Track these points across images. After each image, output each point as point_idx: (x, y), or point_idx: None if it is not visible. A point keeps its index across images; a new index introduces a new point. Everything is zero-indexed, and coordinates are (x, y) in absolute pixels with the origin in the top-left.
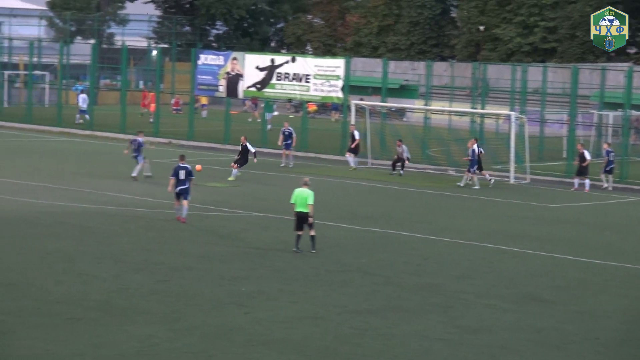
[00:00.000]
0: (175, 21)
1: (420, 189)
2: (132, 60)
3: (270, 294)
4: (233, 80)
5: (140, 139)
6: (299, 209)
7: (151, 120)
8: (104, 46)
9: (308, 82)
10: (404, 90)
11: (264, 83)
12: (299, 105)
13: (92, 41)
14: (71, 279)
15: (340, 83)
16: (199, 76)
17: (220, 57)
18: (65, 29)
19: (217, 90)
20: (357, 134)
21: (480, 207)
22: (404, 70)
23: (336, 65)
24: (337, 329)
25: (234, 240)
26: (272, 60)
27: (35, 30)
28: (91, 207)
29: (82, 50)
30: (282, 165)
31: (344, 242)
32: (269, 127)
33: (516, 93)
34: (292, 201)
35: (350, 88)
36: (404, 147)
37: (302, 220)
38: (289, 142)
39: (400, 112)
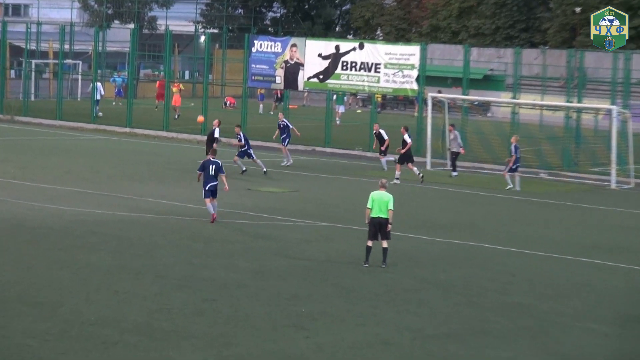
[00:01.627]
0: (227, 3)
1: (506, 194)
2: (176, 48)
3: (334, 316)
4: (292, 70)
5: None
6: (376, 215)
7: (177, 116)
8: (145, 31)
9: (378, 72)
10: (489, 82)
11: (327, 73)
12: (368, 98)
13: (131, 26)
14: (106, 298)
15: (415, 73)
16: (253, 65)
17: (278, 43)
18: (100, 12)
19: (273, 82)
20: (384, 134)
21: (577, 216)
22: (488, 59)
23: (410, 52)
24: (411, 356)
25: (294, 253)
26: (337, 47)
27: (66, 13)
28: (129, 215)
29: (119, 36)
30: (284, 164)
31: (420, 255)
32: (338, 121)
33: (618, 84)
34: (369, 206)
35: (427, 79)
36: (456, 133)
37: (379, 227)
38: (284, 136)
39: (484, 106)
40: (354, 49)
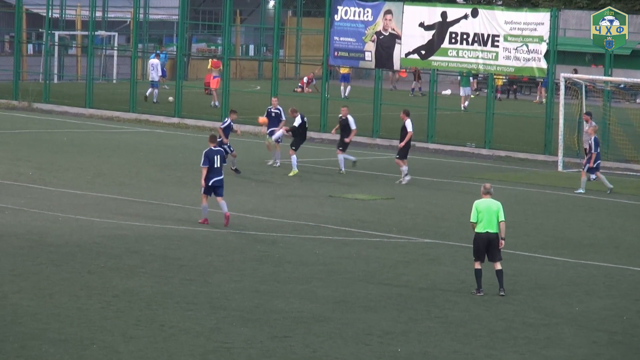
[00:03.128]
0: None
1: None
2: (238, 16)
3: (439, 358)
4: (386, 44)
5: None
6: (484, 229)
7: (215, 104)
8: None
9: (496, 46)
10: (639, 58)
11: (430, 48)
12: (483, 80)
13: None
14: (149, 334)
15: (543, 47)
16: (335, 38)
17: (368, 9)
18: None
19: (362, 59)
20: (352, 122)
21: None
22: (639, 29)
23: (538, 21)
24: None
25: (387, 278)
26: (444, 15)
27: None
28: (178, 228)
29: (166, 1)
30: (270, 163)
31: (549, 281)
32: (463, 107)
33: None
34: (473, 219)
35: (559, 55)
36: (593, 124)
37: (489, 245)
38: (274, 129)
39: (634, 90)
40: (465, 16)
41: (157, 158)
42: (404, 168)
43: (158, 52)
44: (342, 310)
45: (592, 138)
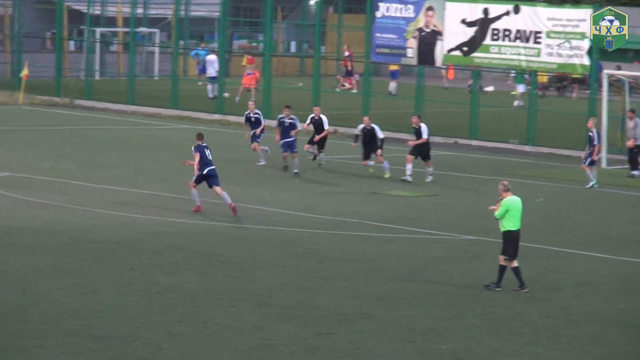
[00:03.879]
0: None
1: None
2: (279, 12)
3: (482, 355)
4: (427, 41)
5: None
6: (517, 227)
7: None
8: None
9: (539, 42)
10: None
11: (472, 44)
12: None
13: None
14: (192, 330)
15: (586, 44)
16: (377, 35)
17: (409, 6)
18: None
19: (404, 55)
20: (325, 120)
21: None
22: None
23: (580, 17)
24: None
25: (431, 275)
26: (486, 11)
27: None
28: (221, 225)
29: None
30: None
31: (592, 278)
32: (516, 103)
33: None
34: (499, 215)
35: (602, 52)
36: (638, 120)
37: (517, 242)
38: (256, 130)
39: None
40: (508, 12)
41: None
42: (409, 166)
43: (199, 49)
44: (386, 307)
45: (594, 131)
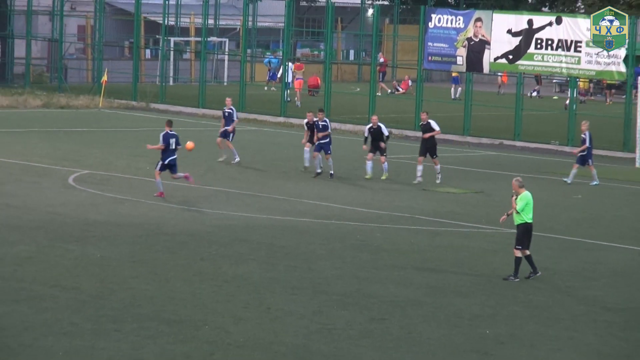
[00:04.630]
0: None
1: None
2: (339, 23)
3: (524, 339)
4: (476, 49)
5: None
6: (530, 220)
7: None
8: (303, 4)
9: (579, 51)
10: None
11: (517, 53)
12: (566, 83)
13: None
14: (256, 316)
15: (622, 52)
16: (429, 44)
17: (459, 17)
18: None
19: (454, 63)
20: (383, 127)
21: None
22: None
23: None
24: None
25: (477, 265)
26: (530, 22)
27: None
28: (283, 219)
29: (273, 9)
30: (221, 159)
31: (627, 269)
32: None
33: None
34: (521, 209)
35: (637, 59)
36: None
37: (531, 233)
38: (229, 127)
39: None
40: (550, 23)
41: (264, 154)
42: (420, 168)
43: (270, 56)
44: (435, 295)
45: (587, 133)
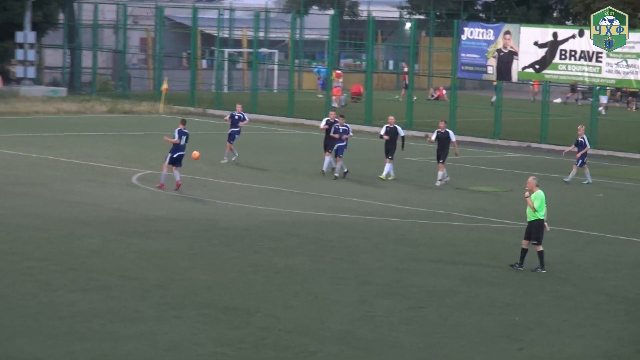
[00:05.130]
0: None
1: None
2: (379, 35)
3: (551, 326)
4: (505, 60)
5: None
6: (542, 216)
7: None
8: (345, 18)
9: (600, 61)
10: None
11: (543, 63)
12: (588, 90)
13: (331, 12)
14: (305, 304)
15: None
16: (462, 54)
17: (490, 30)
18: None
19: (485, 72)
20: (399, 129)
21: None
22: None
23: (636, 40)
24: None
25: (507, 258)
26: (555, 35)
27: None
28: (329, 215)
29: (318, 22)
30: (225, 161)
31: None
32: (602, 111)
33: None
34: (538, 206)
35: None
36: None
37: (542, 228)
38: (236, 129)
39: None
40: (573, 36)
41: (311, 156)
42: (440, 173)
43: (320, 66)
44: (469, 285)
45: (584, 136)
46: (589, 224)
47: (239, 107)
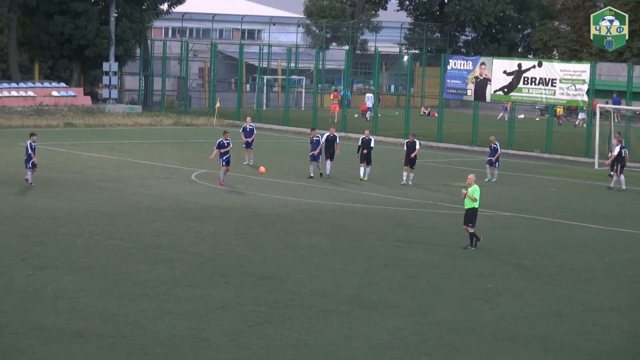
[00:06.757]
0: (426, 28)
1: None
2: (384, 66)
3: (515, 291)
4: (481, 84)
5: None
6: (478, 205)
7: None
8: (358, 52)
9: (554, 86)
10: None
11: (511, 87)
12: (545, 108)
13: (346, 47)
14: (324, 273)
15: (585, 87)
16: (448, 80)
17: (469, 62)
18: (321, 35)
19: (465, 94)
20: (372, 140)
21: None
22: None
23: (582, 69)
24: (580, 325)
25: (482, 239)
26: (519, 65)
27: (292, 37)
28: (344, 205)
29: (336, 55)
30: (245, 163)
31: (589, 241)
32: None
33: None
34: (478, 198)
35: (595, 92)
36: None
37: (476, 214)
38: (249, 140)
39: None
40: (534, 66)
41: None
42: (405, 175)
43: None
44: (451, 259)
45: (497, 143)
46: (545, 212)
47: (248, 119)
